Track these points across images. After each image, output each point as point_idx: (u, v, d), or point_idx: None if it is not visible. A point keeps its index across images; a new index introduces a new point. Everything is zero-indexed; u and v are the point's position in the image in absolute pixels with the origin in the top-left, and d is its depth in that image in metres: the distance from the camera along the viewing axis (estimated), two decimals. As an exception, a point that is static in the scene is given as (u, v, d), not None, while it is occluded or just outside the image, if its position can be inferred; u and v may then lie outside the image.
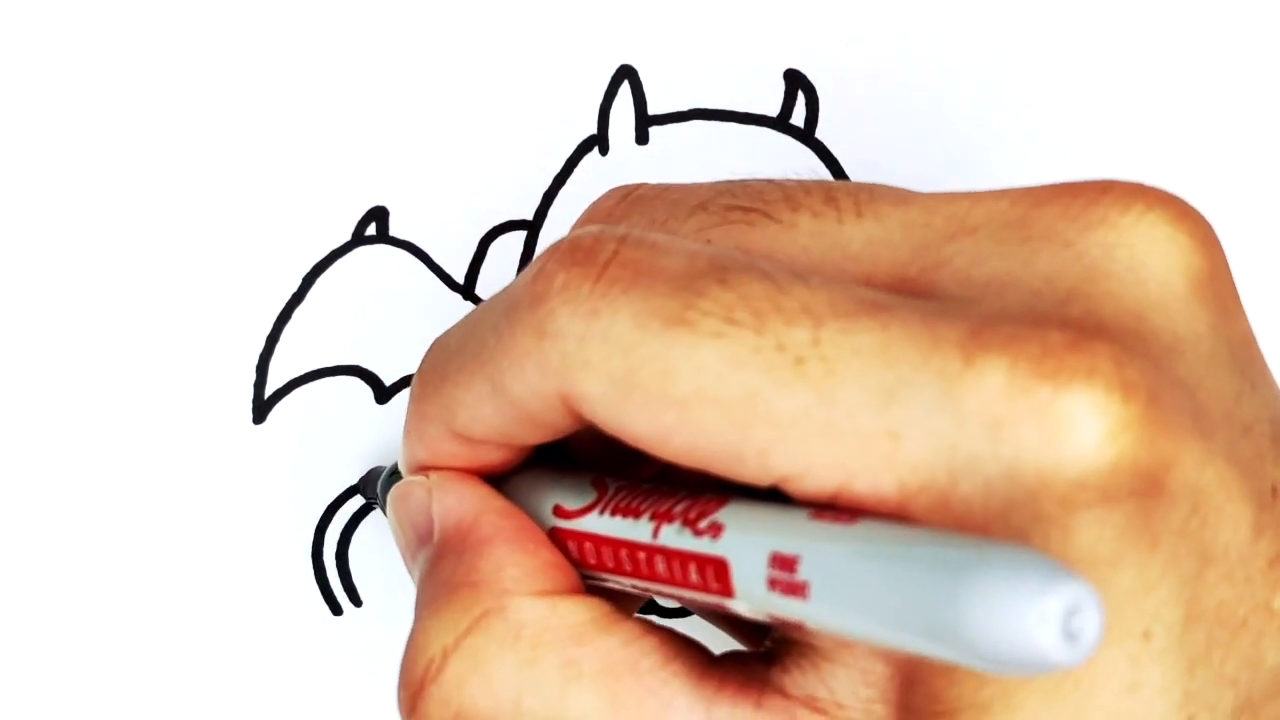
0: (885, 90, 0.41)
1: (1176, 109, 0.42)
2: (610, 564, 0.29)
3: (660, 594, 0.29)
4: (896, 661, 0.27)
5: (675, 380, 0.27)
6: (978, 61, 0.41)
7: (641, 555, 0.28)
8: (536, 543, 0.30)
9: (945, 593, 0.23)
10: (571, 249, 0.28)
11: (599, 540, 0.29)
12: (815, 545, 0.25)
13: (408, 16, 0.41)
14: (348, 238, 0.41)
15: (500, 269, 0.41)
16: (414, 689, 0.29)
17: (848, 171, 0.41)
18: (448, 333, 0.31)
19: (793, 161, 0.41)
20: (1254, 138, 0.42)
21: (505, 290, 0.29)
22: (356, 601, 0.40)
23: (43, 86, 0.41)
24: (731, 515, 0.27)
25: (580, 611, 0.29)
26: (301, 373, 0.40)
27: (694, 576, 0.27)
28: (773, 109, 0.41)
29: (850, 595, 0.24)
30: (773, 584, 0.26)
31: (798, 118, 0.41)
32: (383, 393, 0.40)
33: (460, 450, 0.31)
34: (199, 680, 0.40)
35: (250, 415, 0.40)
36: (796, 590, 0.25)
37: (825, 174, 0.41)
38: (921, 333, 0.26)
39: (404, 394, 0.41)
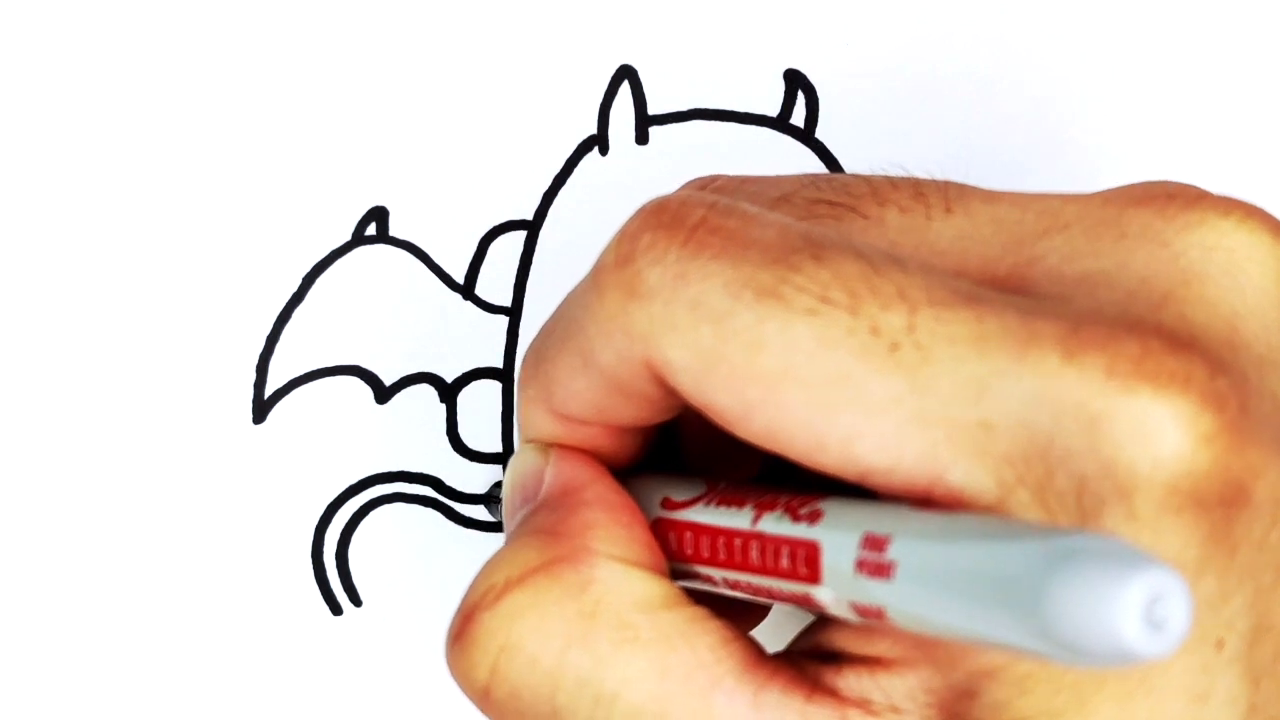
0: (885, 90, 0.41)
1: (1180, 108, 0.42)
2: (706, 553, 0.29)
3: (747, 589, 0.29)
4: (959, 672, 0.26)
5: (764, 355, 0.26)
6: (978, 61, 0.41)
7: (737, 542, 0.28)
8: (633, 519, 0.30)
9: (1030, 576, 0.22)
10: (657, 210, 0.27)
11: (699, 529, 0.29)
12: (907, 526, 0.25)
13: (408, 17, 0.41)
14: (348, 238, 0.41)
15: (500, 269, 0.41)
16: (467, 612, 0.29)
17: (848, 171, 0.41)
18: (550, 316, 0.31)
19: (793, 161, 0.41)
20: (1260, 139, 0.42)
21: (594, 263, 0.29)
22: (356, 601, 0.40)
23: (43, 86, 0.41)
24: (833, 504, 0.27)
25: (652, 585, 0.29)
26: (301, 373, 0.40)
27: (784, 562, 0.27)
28: (773, 109, 0.41)
29: (935, 577, 0.24)
30: (860, 565, 0.25)
31: (798, 118, 0.41)
32: (383, 393, 0.40)
33: (562, 431, 0.31)
34: (199, 680, 0.40)
35: (250, 415, 0.40)
36: (883, 571, 0.25)
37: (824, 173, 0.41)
38: (1018, 326, 0.25)
39: (403, 394, 0.41)
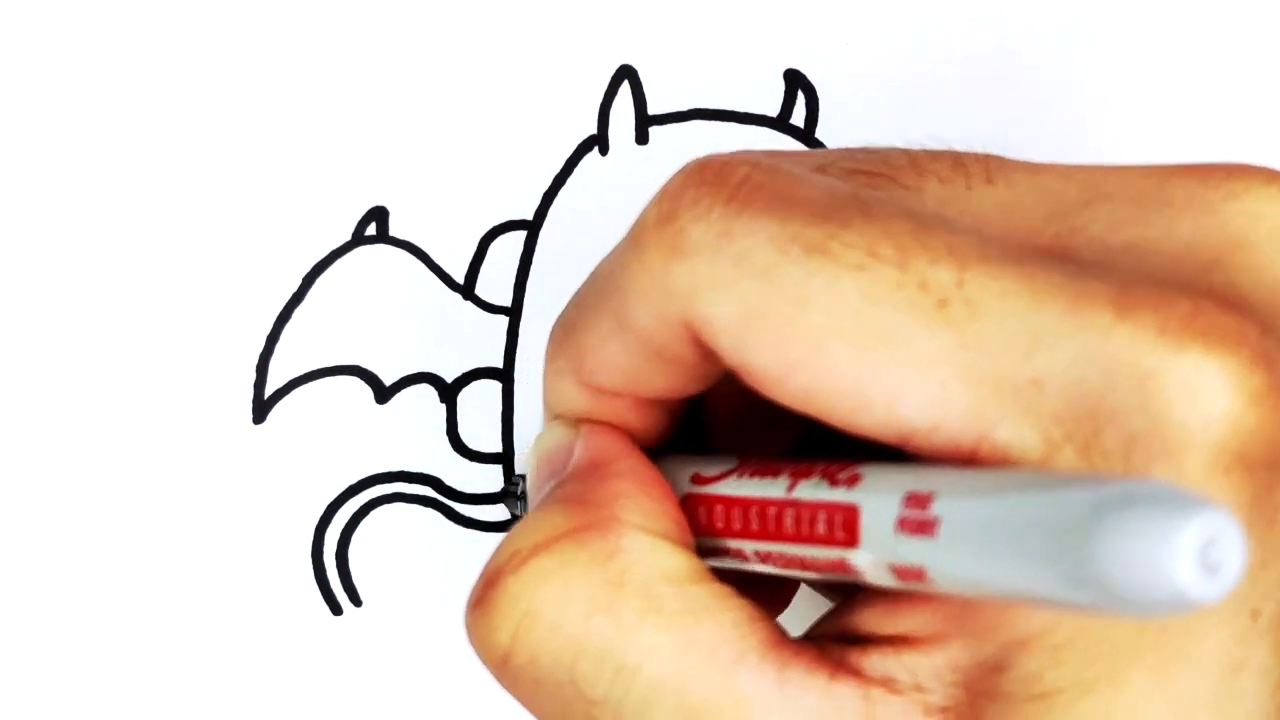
0: (885, 90, 0.41)
1: (1182, 108, 0.42)
2: (738, 525, 0.28)
3: (781, 561, 0.28)
4: (989, 645, 0.26)
5: (810, 311, 0.25)
6: (978, 61, 0.41)
7: (771, 511, 0.28)
8: (663, 494, 0.29)
9: (1080, 523, 0.22)
10: (701, 169, 0.27)
11: (731, 502, 0.29)
12: (951, 482, 0.25)
13: (408, 17, 0.41)
14: (348, 238, 0.41)
15: (500, 269, 0.41)
16: (490, 577, 0.28)
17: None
18: (581, 286, 0.30)
19: (793, 161, 0.41)
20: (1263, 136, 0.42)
21: (633, 225, 0.28)
22: (356, 601, 0.40)
23: (43, 86, 0.41)
24: (872, 468, 0.26)
25: (679, 558, 0.28)
26: (301, 373, 0.40)
27: (820, 527, 0.27)
28: (773, 109, 0.41)
29: (980, 530, 0.24)
30: (902, 524, 0.25)
31: (798, 118, 0.41)
32: (383, 393, 0.40)
33: (592, 404, 0.30)
34: (199, 680, 0.40)
35: (250, 415, 0.40)
36: (926, 528, 0.24)
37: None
38: (1068, 284, 0.25)
39: (403, 394, 0.41)
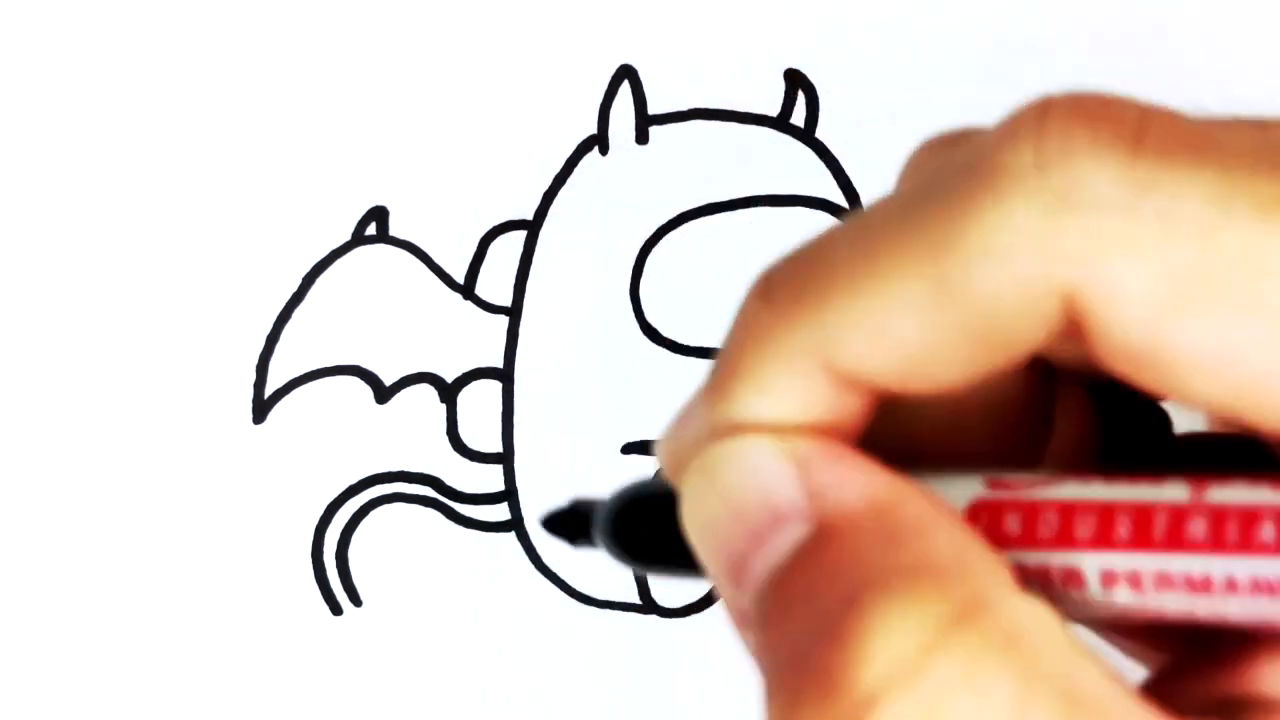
0: (885, 90, 0.41)
1: (1180, 101, 0.42)
2: (1122, 535, 0.21)
3: (1183, 585, 0.21)
4: None
5: (1273, 280, 0.20)
6: (978, 60, 0.41)
7: (1164, 519, 0.21)
8: (972, 532, 0.22)
9: None
10: (1077, 104, 0.22)
11: (1085, 509, 0.21)
12: None
13: (408, 17, 0.41)
14: (348, 238, 0.41)
15: (500, 269, 0.41)
16: (855, 707, 0.20)
17: (848, 171, 0.41)
18: (806, 243, 0.22)
19: (793, 161, 0.41)
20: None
21: (930, 178, 0.22)
22: (356, 601, 0.40)
23: (43, 87, 0.41)
24: None
25: (1055, 619, 0.21)
26: (301, 373, 0.40)
27: (1266, 533, 0.20)
28: (773, 109, 0.41)
29: None
30: None
31: (798, 118, 0.41)
32: (383, 393, 0.40)
33: (823, 399, 0.22)
34: (199, 680, 0.40)
35: (250, 415, 0.40)
36: None
37: (825, 174, 0.41)
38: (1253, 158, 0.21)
39: (403, 394, 0.41)
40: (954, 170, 0.22)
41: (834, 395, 0.22)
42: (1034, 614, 0.21)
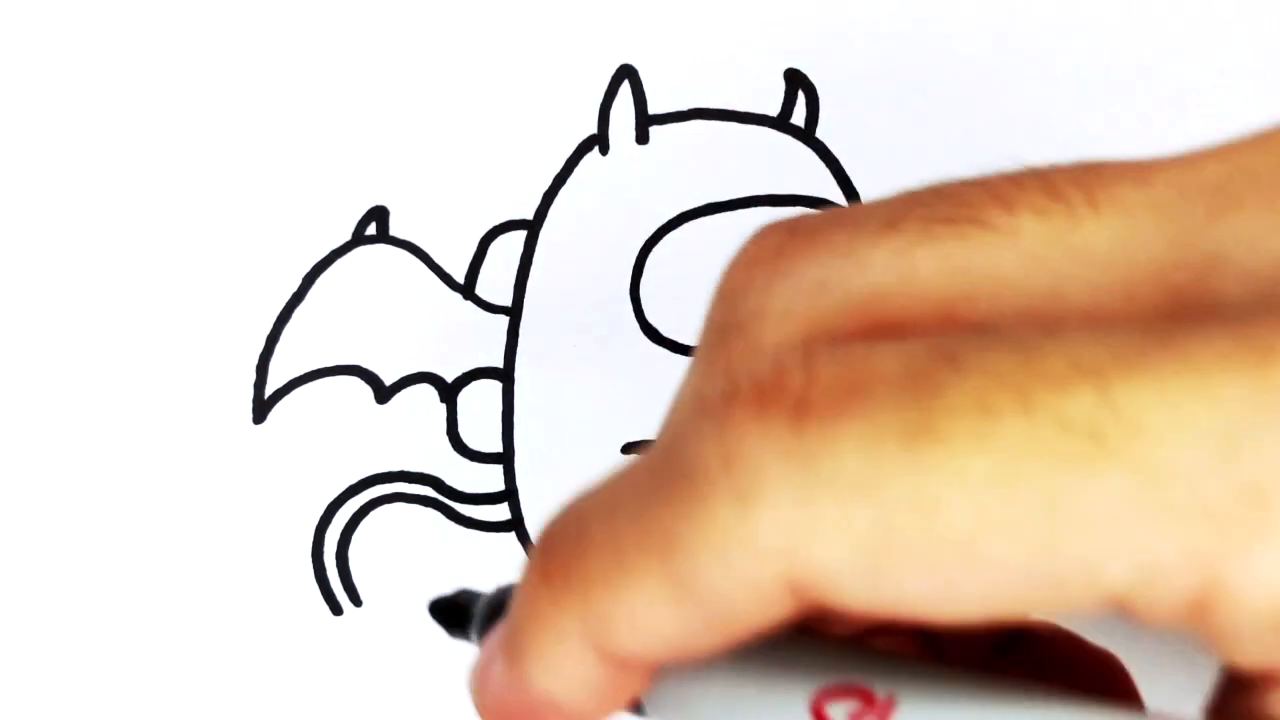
0: (885, 90, 0.41)
1: (1183, 107, 0.42)
2: None
3: None
4: None
5: (947, 513, 0.20)
6: (978, 60, 0.41)
7: None
8: None
9: None
10: (754, 391, 0.22)
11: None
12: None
13: (408, 16, 0.41)
14: (348, 238, 0.41)
15: (500, 269, 0.41)
16: None
17: (848, 171, 0.41)
18: (575, 508, 0.24)
19: (793, 161, 0.41)
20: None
21: (665, 448, 0.22)
22: (356, 601, 0.40)
23: (43, 86, 0.41)
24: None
25: None
26: (301, 373, 0.40)
27: None
28: (773, 109, 0.41)
29: None
30: None
31: (798, 118, 0.41)
32: (383, 393, 0.40)
33: (603, 677, 0.23)
34: (199, 680, 0.40)
35: (250, 415, 0.40)
36: None
37: (826, 174, 0.41)
38: (1239, 352, 0.20)
39: (403, 394, 0.41)
40: (673, 450, 0.22)
41: (610, 673, 0.23)
42: None
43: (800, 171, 0.41)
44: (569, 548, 0.23)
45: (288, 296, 0.40)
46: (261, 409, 0.40)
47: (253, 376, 0.40)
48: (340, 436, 0.40)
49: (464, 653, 0.40)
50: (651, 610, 0.22)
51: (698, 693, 0.25)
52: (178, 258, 0.40)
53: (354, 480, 0.40)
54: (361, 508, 0.40)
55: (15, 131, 0.40)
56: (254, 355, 0.40)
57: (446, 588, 0.39)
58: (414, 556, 0.40)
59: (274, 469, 0.40)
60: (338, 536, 0.40)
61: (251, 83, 0.41)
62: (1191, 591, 0.20)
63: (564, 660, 0.23)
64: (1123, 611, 0.21)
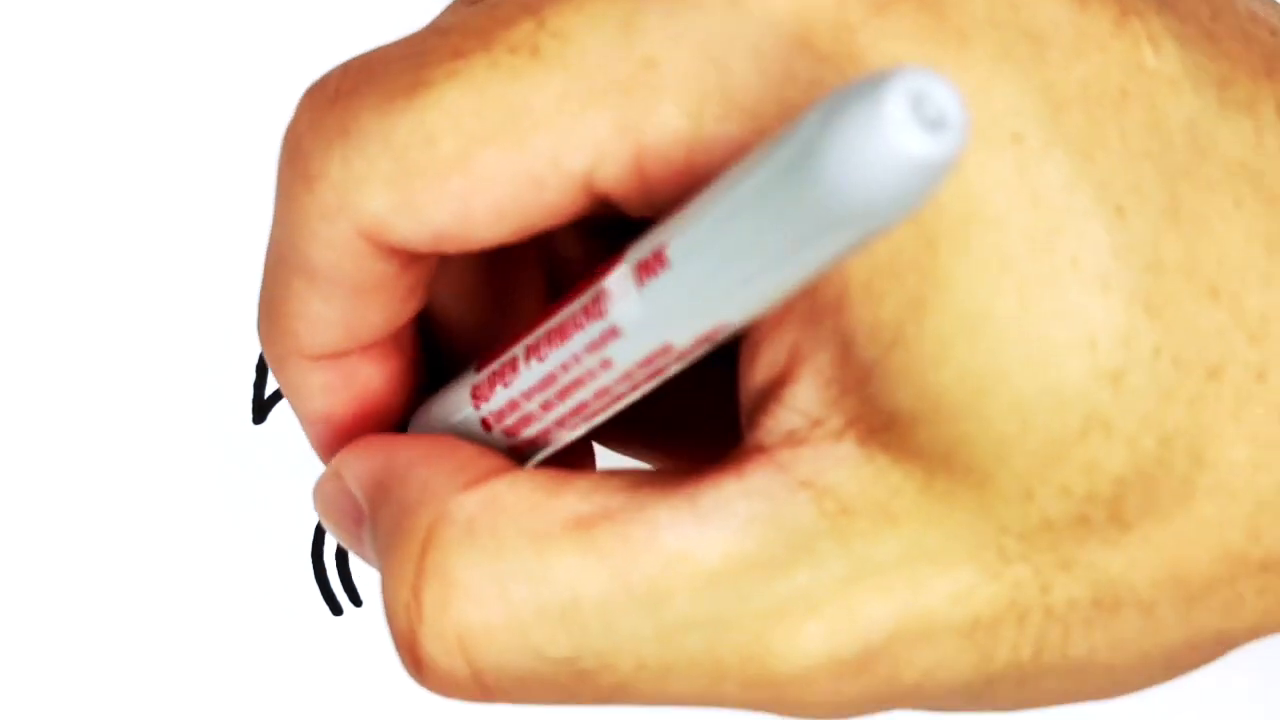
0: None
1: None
2: (534, 406, 0.27)
3: (579, 405, 0.26)
4: (823, 334, 0.24)
5: (442, 140, 0.25)
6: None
7: (535, 359, 0.26)
8: (452, 445, 0.27)
9: (796, 159, 0.20)
10: (308, 91, 0.26)
11: (512, 390, 0.27)
12: (670, 224, 0.23)
13: (408, 16, 0.41)
14: (348, 238, 0.41)
15: (500, 269, 0.41)
16: (407, 644, 0.26)
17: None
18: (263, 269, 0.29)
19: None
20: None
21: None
22: (356, 601, 0.40)
23: (43, 86, 0.41)
24: (614, 278, 0.25)
25: (522, 484, 0.26)
26: (301, 373, 0.41)
27: (580, 314, 0.25)
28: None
29: (709, 234, 0.22)
30: (639, 274, 0.24)
31: (798, 117, 0.41)
32: (383, 393, 0.41)
33: (330, 378, 0.28)
34: (199, 680, 0.40)
35: (250, 415, 0.40)
36: (655, 268, 0.23)
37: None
38: None
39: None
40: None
41: (331, 374, 0.28)
42: (484, 499, 0.26)
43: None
44: (262, 299, 0.28)
45: (287, 296, 0.41)
46: (261, 409, 0.40)
47: (253, 376, 0.40)
48: (340, 436, 0.40)
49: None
50: (305, 304, 0.27)
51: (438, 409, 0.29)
52: (179, 258, 0.40)
53: (354, 480, 0.40)
54: (361, 508, 0.40)
55: (15, 132, 0.40)
56: (254, 355, 0.40)
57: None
58: (414, 556, 0.40)
59: (274, 469, 0.40)
60: (338, 536, 0.40)
61: (252, 83, 0.41)
62: (630, 160, 0.24)
63: (296, 378, 0.28)
64: (604, 204, 0.25)
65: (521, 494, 0.26)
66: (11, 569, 0.40)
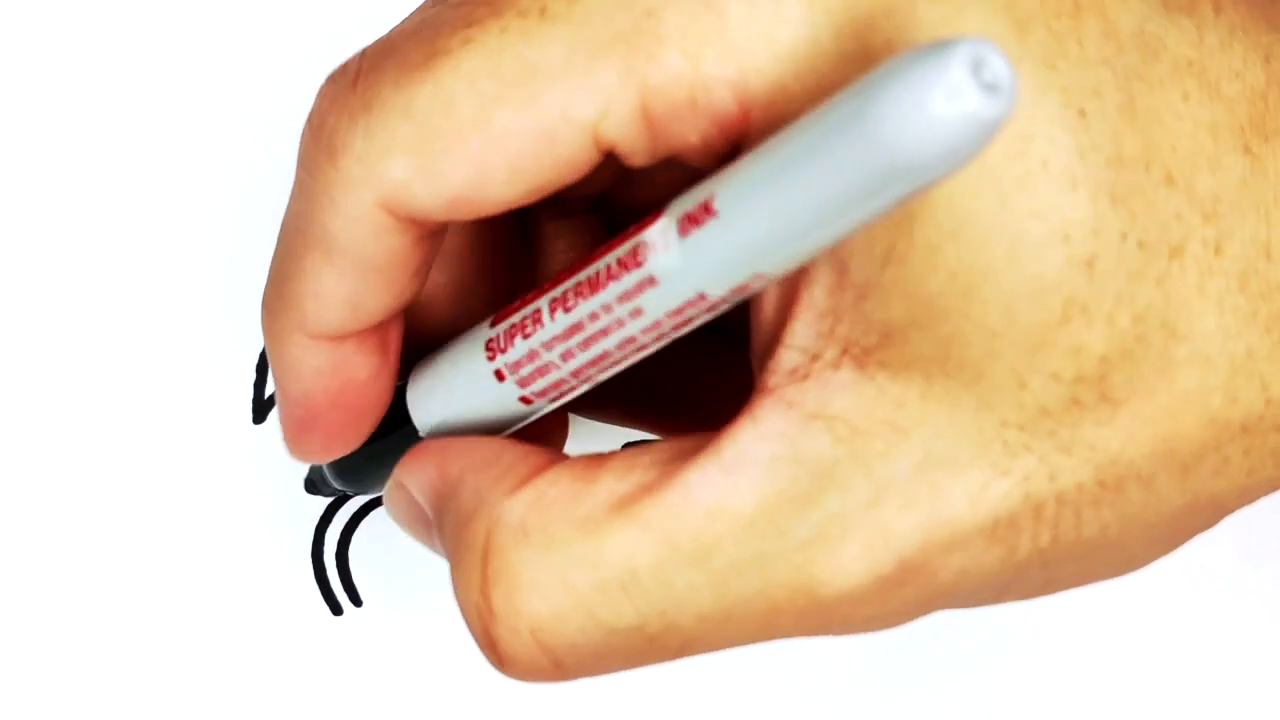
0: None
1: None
2: (554, 351, 0.28)
3: (600, 355, 0.28)
4: (823, 268, 0.26)
5: (460, 104, 0.26)
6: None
7: (568, 299, 0.28)
8: (497, 449, 0.29)
9: (858, 114, 0.22)
10: (327, 82, 0.28)
11: (538, 336, 0.28)
12: (719, 177, 0.24)
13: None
14: (348, 238, 0.41)
15: (500, 269, 0.41)
16: (487, 643, 0.28)
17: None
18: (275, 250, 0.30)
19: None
20: None
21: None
22: (357, 601, 0.40)
23: (43, 86, 0.41)
24: (656, 230, 0.26)
25: (563, 478, 0.28)
26: (301, 373, 0.40)
27: (615, 265, 0.26)
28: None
29: (762, 187, 0.23)
30: (685, 224, 0.25)
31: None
32: (383, 393, 0.40)
33: (323, 362, 0.30)
34: (199, 681, 0.40)
35: (250, 415, 0.40)
36: (701, 218, 0.25)
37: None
38: None
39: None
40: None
41: (327, 355, 0.30)
42: (532, 498, 0.28)
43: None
44: (270, 275, 0.30)
45: (288, 296, 0.41)
46: (261, 409, 0.40)
47: (253, 376, 0.40)
48: (340, 436, 0.40)
49: (465, 653, 0.40)
50: (319, 278, 0.28)
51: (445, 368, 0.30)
52: (179, 258, 0.40)
53: (354, 480, 0.40)
54: (361, 508, 0.40)
55: (15, 131, 0.40)
56: (254, 355, 0.40)
57: (449, 590, 0.39)
58: (414, 556, 0.40)
59: (274, 469, 0.40)
60: (338, 536, 0.40)
61: (253, 82, 0.41)
62: (636, 106, 0.26)
63: (292, 356, 0.30)
64: (611, 159, 0.26)
65: (563, 487, 0.28)
66: (11, 569, 0.40)
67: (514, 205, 0.27)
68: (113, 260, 0.40)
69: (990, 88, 0.21)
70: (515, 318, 0.29)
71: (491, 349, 0.29)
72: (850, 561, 0.27)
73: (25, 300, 0.40)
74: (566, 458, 0.29)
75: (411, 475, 0.30)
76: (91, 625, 0.40)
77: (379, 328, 0.30)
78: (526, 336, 0.29)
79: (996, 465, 0.26)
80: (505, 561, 0.27)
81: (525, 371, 0.29)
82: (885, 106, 0.21)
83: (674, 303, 0.26)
